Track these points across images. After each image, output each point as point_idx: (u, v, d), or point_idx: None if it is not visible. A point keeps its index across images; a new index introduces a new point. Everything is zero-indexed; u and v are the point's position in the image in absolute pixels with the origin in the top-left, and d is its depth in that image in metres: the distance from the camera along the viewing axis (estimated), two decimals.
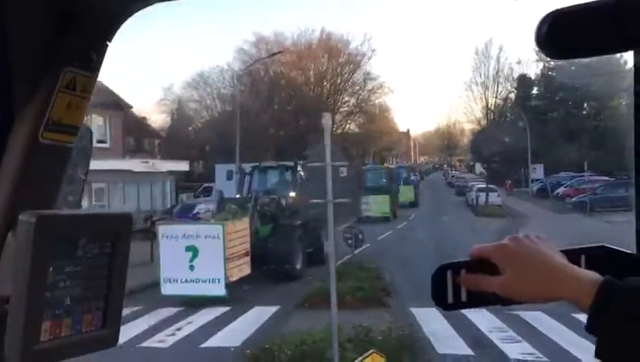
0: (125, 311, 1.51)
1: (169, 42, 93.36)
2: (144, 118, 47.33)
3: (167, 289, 14.10)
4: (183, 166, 34.67)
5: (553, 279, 0.92)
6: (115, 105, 33.30)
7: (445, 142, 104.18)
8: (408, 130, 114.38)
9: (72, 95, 1.02)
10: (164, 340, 11.70)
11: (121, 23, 1.08)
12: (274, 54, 45.58)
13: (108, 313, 1.04)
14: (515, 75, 63.55)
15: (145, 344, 11.38)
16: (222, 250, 13.83)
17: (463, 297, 1.02)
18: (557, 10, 0.92)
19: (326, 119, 8.00)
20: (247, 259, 15.09)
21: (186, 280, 13.94)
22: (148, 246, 17.77)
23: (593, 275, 0.90)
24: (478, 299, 1.01)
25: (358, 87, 60.93)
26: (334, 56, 57.97)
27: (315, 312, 11.84)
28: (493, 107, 66.13)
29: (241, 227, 15.04)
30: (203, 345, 11.18)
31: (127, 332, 11.08)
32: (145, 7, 1.08)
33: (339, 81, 59.35)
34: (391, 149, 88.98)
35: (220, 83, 54.07)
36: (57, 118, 1.01)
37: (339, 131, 59.65)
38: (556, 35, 0.92)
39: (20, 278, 0.92)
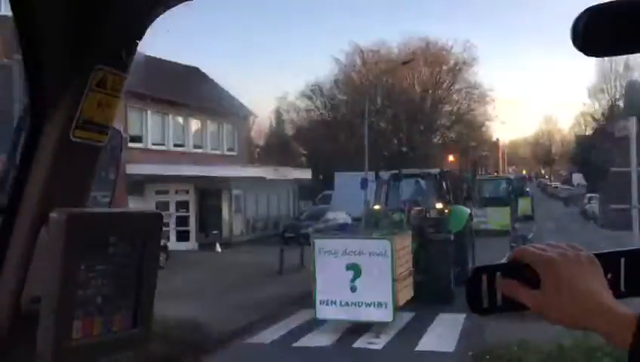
0: None
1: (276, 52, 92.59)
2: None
3: (323, 312, 11.68)
4: (306, 174, 33.17)
5: (589, 310, 0.88)
6: (243, 114, 33.08)
7: (537, 151, 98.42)
8: (497, 140, 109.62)
9: (102, 93, 1.00)
10: None
11: (151, 21, 1.04)
12: (405, 62, 43.26)
13: (138, 312, 1.00)
14: (623, 81, 58.01)
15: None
16: (389, 269, 11.31)
17: (499, 302, 0.95)
18: (593, 7, 0.87)
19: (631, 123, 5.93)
20: (411, 279, 12.50)
21: (347, 303, 11.48)
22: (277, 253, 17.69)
23: (629, 312, 0.86)
24: (516, 304, 0.93)
25: (459, 96, 57.50)
26: (435, 64, 54.90)
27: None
28: (605, 114, 60.60)
29: (406, 243, 12.49)
30: None
31: None
32: (174, 6, 1.04)
33: (440, 90, 56.20)
34: (481, 159, 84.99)
35: (329, 92, 52.36)
36: (88, 117, 0.99)
37: (440, 142, 56.72)
38: (593, 32, 0.86)
39: (51, 276, 0.90)
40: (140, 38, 1.03)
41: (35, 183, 0.96)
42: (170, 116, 27.35)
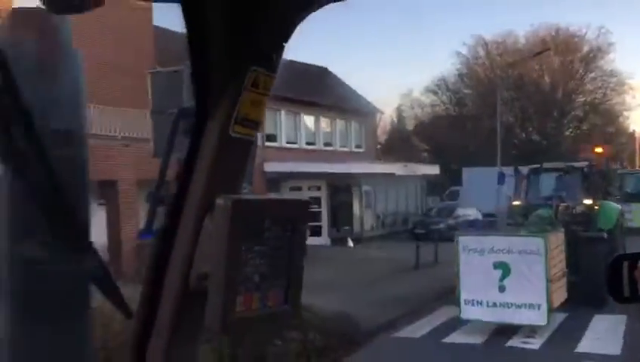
0: None
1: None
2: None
3: (468, 312, 11.30)
4: (434, 170, 32.66)
5: None
6: (369, 111, 33.18)
7: None
8: (634, 131, 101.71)
9: (255, 93, 1.08)
10: None
11: (297, 24, 1.09)
12: (538, 53, 41.46)
13: (289, 290, 1.08)
14: None
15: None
16: (543, 269, 10.72)
17: None
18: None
19: None
20: (564, 280, 11.79)
21: (494, 304, 11.03)
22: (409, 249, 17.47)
23: None
24: None
25: (594, 86, 53.82)
26: (567, 53, 51.75)
27: None
28: None
29: (559, 241, 11.80)
30: None
31: None
32: (318, 8, 1.09)
33: (572, 80, 52.92)
34: (618, 153, 79.05)
35: (454, 86, 51.14)
36: (244, 114, 1.07)
37: (572, 134, 53.54)
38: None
39: (218, 256, 0.98)
40: (286, 41, 1.10)
41: (199, 174, 1.06)
42: (302, 115, 27.99)
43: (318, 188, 26.26)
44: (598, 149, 36.29)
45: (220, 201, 1.00)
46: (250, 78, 1.06)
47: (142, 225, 16.81)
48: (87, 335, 1.27)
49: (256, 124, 1.10)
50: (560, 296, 11.53)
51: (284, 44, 1.10)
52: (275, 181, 23.91)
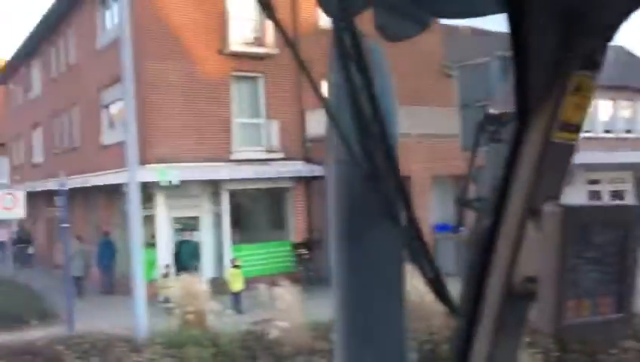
0: None
1: None
2: None
3: None
4: None
5: None
6: None
7: None
8: None
9: (578, 96, 1.05)
10: None
11: (623, 22, 1.03)
12: None
13: (622, 298, 1.05)
14: None
15: None
16: None
17: None
18: None
19: None
20: None
21: None
22: None
23: None
24: None
25: None
26: None
27: None
28: None
29: None
30: None
31: None
32: None
33: None
34: None
35: None
36: (566, 118, 1.05)
37: None
38: None
39: (548, 260, 0.99)
40: (610, 40, 1.05)
41: (520, 179, 1.06)
42: (598, 101, 25.66)
43: (622, 181, 23.77)
44: None
45: (548, 208, 1.01)
46: (574, 81, 1.04)
47: (434, 219, 17.49)
48: (403, 320, 1.28)
49: (577, 128, 1.08)
50: None
51: (607, 43, 1.06)
52: (570, 174, 22.41)
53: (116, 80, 18.95)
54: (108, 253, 18.81)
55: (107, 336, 9.32)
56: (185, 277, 11.65)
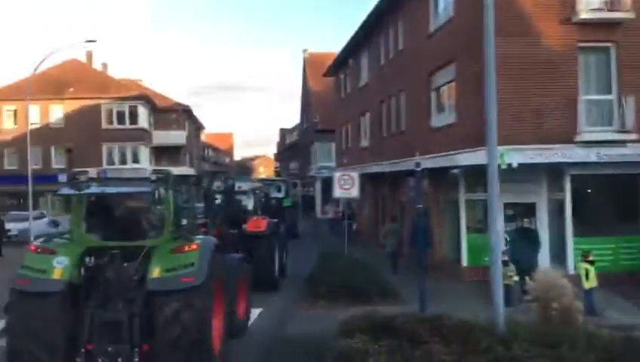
0: None
1: None
2: None
3: None
4: None
5: None
6: None
7: None
8: None
9: None
10: None
11: None
12: None
13: None
14: None
15: None
16: None
17: None
18: None
19: None
20: None
21: None
22: None
23: None
24: None
25: None
26: None
27: None
28: None
29: None
30: None
31: None
32: None
33: None
34: None
35: None
36: None
37: None
38: None
39: None
40: None
41: None
42: None
43: None
44: None
45: None
46: None
47: None
48: None
49: None
50: None
51: None
52: None
53: (447, 62, 18.62)
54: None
55: (464, 322, 8.66)
56: (546, 269, 10.45)
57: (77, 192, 8.39)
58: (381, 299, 13.91)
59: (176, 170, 8.92)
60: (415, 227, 19.62)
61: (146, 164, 46.42)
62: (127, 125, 47.13)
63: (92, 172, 8.78)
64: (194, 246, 7.92)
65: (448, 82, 18.82)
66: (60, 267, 7.66)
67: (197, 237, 8.53)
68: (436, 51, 19.47)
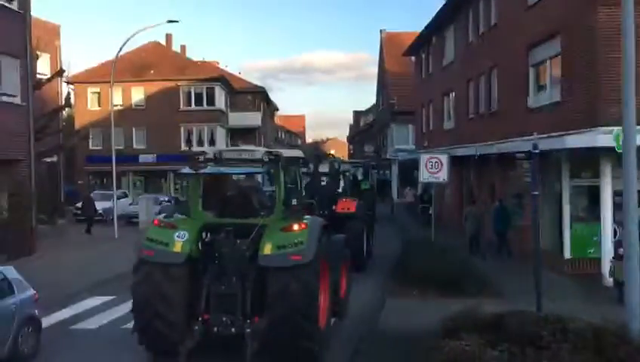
0: None
1: None
2: None
3: None
4: None
5: None
6: None
7: None
8: None
9: None
10: None
11: None
12: None
13: None
14: None
15: None
16: None
17: None
18: None
19: None
20: None
21: None
22: None
23: None
24: None
25: None
26: None
27: None
28: None
29: None
30: None
31: None
32: None
33: None
34: None
35: None
36: None
37: None
38: None
39: None
40: None
41: None
42: None
43: None
44: None
45: None
46: None
47: None
48: None
49: None
50: None
51: None
52: None
53: (551, 35, 17.04)
54: (503, 219, 19.18)
55: (592, 326, 7.50)
56: None
57: (195, 172, 8.93)
58: (476, 290, 12.83)
59: (286, 153, 9.40)
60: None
61: (222, 145, 46.60)
62: (205, 106, 47.43)
63: (209, 152, 9.21)
64: (303, 226, 8.26)
65: (552, 57, 17.22)
66: (180, 240, 8.27)
67: (306, 216, 8.81)
68: (537, 23, 17.89)
